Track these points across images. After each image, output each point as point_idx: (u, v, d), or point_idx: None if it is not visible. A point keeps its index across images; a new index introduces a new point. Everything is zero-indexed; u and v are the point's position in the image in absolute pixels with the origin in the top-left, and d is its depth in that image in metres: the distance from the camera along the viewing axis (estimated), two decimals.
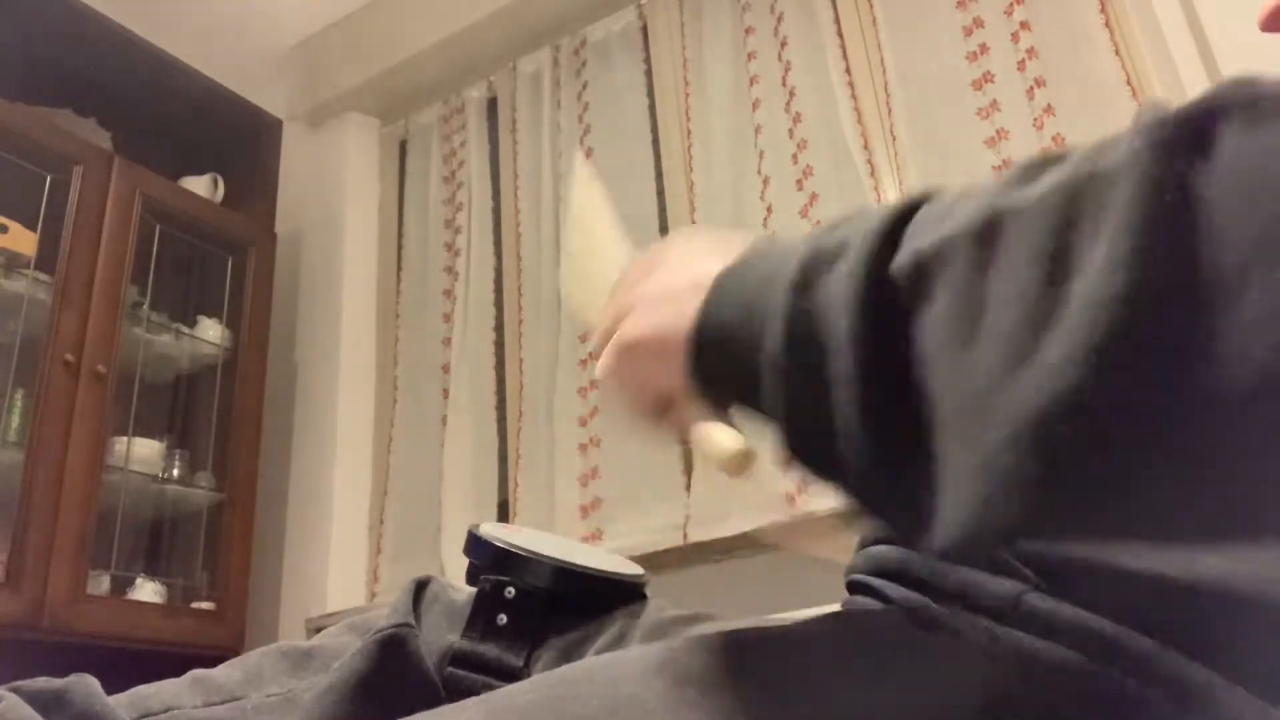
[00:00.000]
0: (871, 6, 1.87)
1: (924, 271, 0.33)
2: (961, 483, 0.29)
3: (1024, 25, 1.68)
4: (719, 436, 0.45)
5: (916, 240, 0.34)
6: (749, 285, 0.40)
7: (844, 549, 0.52)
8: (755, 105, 1.93)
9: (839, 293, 0.35)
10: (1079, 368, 0.26)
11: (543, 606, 0.59)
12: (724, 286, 0.41)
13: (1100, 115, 1.58)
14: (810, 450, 0.37)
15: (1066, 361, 0.26)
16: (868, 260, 0.34)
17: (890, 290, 0.34)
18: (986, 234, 0.31)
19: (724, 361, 0.41)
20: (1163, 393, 0.25)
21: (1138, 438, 0.26)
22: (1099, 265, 0.26)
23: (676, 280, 0.45)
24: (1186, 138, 0.26)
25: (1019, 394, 0.28)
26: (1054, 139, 1.59)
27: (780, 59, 1.94)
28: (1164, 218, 0.25)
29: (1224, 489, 0.26)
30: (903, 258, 0.34)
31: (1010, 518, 0.28)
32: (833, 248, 0.36)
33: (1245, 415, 0.24)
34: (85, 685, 0.56)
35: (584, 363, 1.99)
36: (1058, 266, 0.28)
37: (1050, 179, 0.30)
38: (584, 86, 2.22)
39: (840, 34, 1.90)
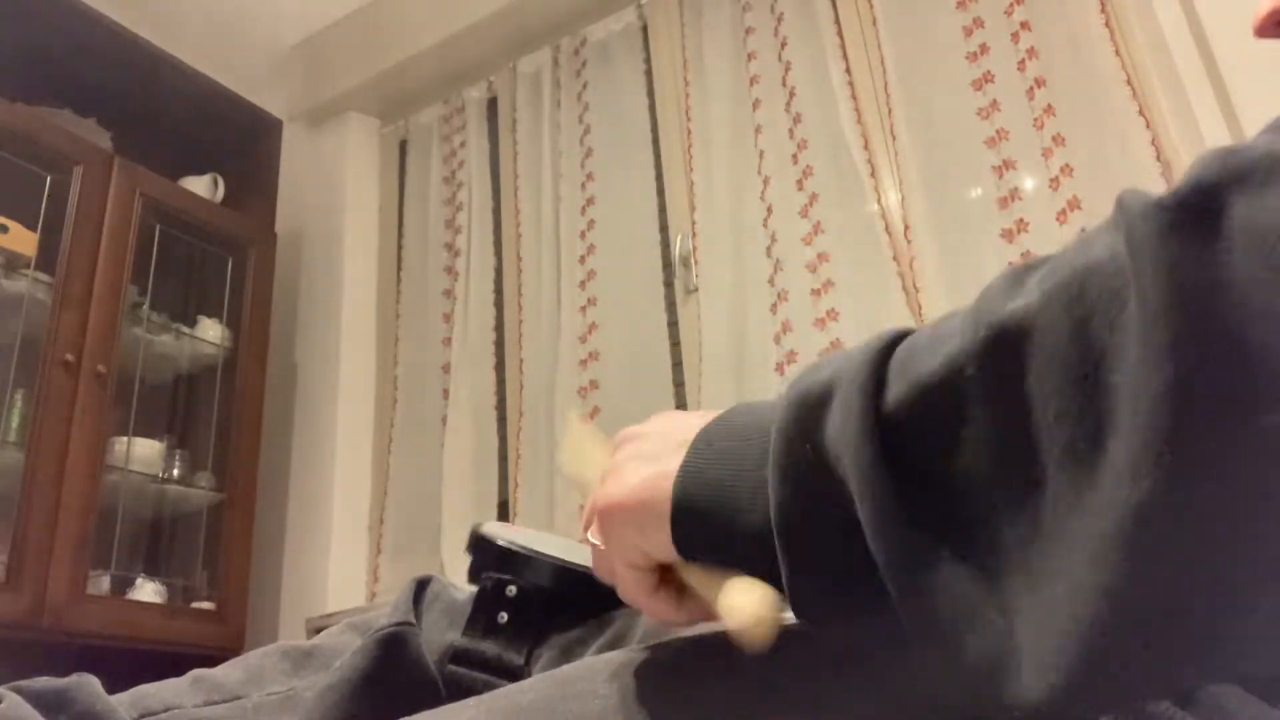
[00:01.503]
0: (871, 6, 1.87)
1: (932, 401, 0.30)
2: (1050, 620, 0.27)
3: (1024, 25, 1.68)
4: (740, 599, 0.38)
5: (910, 370, 0.31)
6: (734, 435, 0.38)
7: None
8: (755, 105, 1.93)
9: (842, 432, 0.32)
10: (1151, 472, 0.24)
11: (544, 605, 0.59)
12: (706, 441, 0.39)
13: (1100, 115, 1.58)
14: (830, 600, 0.35)
15: (1136, 470, 0.24)
16: (862, 394, 0.32)
17: (892, 424, 0.31)
18: (993, 354, 0.29)
19: (712, 519, 0.38)
20: (1237, 482, 0.24)
21: (1224, 538, 0.24)
22: (1136, 361, 0.25)
23: (657, 444, 0.42)
24: (1191, 217, 0.25)
25: (1095, 514, 0.26)
26: (1054, 139, 1.59)
27: (780, 59, 1.94)
28: (1193, 304, 0.24)
29: None
30: (900, 389, 0.31)
31: (1110, 644, 0.26)
32: (820, 389, 0.34)
33: None
34: (86, 685, 0.56)
35: (584, 363, 1.99)
36: (1088, 375, 0.26)
37: (1038, 285, 0.29)
38: (584, 86, 2.22)
39: (840, 34, 1.91)
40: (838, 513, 0.32)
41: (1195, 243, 0.25)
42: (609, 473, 0.43)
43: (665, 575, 0.43)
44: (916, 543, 0.31)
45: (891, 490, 0.31)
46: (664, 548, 0.40)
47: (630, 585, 0.43)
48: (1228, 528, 0.24)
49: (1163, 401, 0.24)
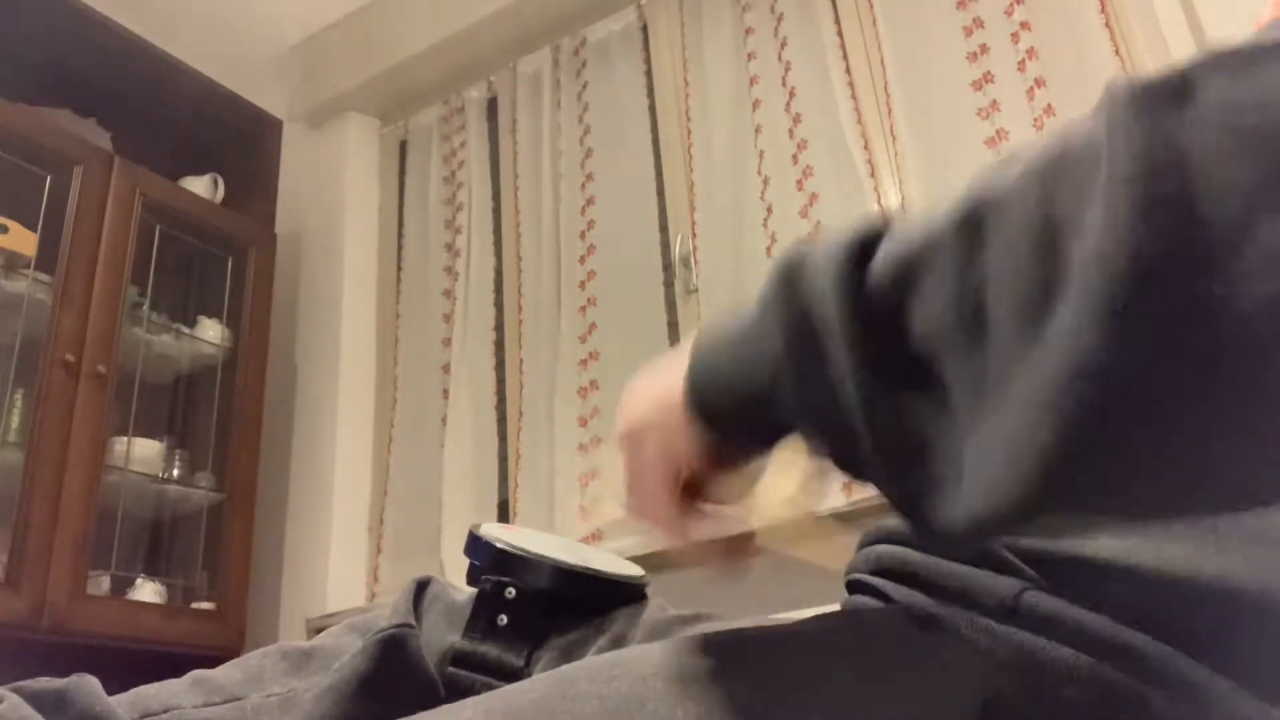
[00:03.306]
0: (871, 6, 1.87)
1: (909, 267, 0.33)
2: (986, 459, 0.29)
3: (1024, 25, 1.68)
4: (778, 486, 0.43)
5: (891, 245, 0.34)
6: (731, 324, 0.41)
7: (834, 555, 0.52)
8: (755, 105, 1.93)
9: (824, 286, 0.35)
10: (1093, 331, 0.25)
11: (543, 607, 0.59)
12: (706, 333, 0.43)
13: None
14: (830, 443, 0.37)
15: (1080, 326, 0.26)
16: (844, 256, 0.35)
17: (872, 290, 0.34)
18: (968, 224, 0.31)
19: (724, 388, 0.41)
20: (1178, 346, 0.25)
21: (1158, 396, 0.25)
22: (1098, 227, 0.26)
23: (659, 369, 0.46)
24: (1166, 94, 0.26)
25: (1037, 365, 0.27)
26: None
27: (780, 59, 1.94)
28: (1157, 172, 0.25)
29: (1242, 453, 0.26)
30: (880, 260, 0.34)
31: (1032, 489, 0.27)
32: (802, 260, 0.37)
33: (1257, 364, 0.24)
34: (86, 685, 0.56)
35: (584, 363, 1.99)
36: (1049, 238, 0.28)
37: (1021, 163, 0.30)
38: (584, 87, 2.22)
39: (840, 34, 1.90)
40: (825, 364, 0.35)
41: (1168, 116, 0.26)
42: (624, 405, 0.47)
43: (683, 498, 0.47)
44: (877, 380, 0.33)
45: (858, 333, 0.33)
46: (684, 441, 0.43)
47: (655, 498, 0.47)
48: (1162, 393, 0.25)
49: (1112, 265, 0.25)
